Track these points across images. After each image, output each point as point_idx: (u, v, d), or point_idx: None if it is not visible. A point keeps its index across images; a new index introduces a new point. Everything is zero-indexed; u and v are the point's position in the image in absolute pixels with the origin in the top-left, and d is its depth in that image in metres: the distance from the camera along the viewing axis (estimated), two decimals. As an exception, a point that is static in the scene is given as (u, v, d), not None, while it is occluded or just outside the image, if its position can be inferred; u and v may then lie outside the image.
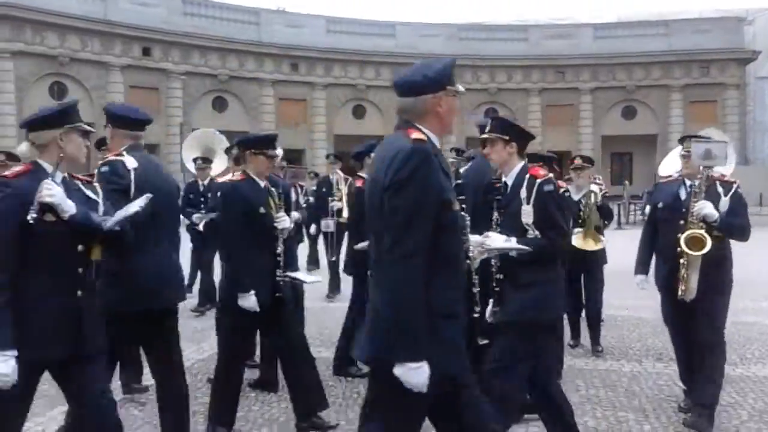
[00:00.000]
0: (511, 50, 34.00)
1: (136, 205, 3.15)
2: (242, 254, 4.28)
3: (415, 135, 2.48)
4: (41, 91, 26.05)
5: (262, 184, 4.47)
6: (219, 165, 8.77)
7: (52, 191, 2.86)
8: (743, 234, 4.48)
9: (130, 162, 3.66)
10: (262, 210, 4.36)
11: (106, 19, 27.10)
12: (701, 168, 4.38)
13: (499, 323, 3.67)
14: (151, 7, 28.58)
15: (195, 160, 8.94)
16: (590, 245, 6.36)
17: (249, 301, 4.19)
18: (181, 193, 6.83)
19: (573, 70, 34.18)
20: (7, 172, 2.93)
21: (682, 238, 4.31)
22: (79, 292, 2.99)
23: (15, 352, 2.77)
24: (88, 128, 3.10)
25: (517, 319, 3.61)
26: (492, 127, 3.83)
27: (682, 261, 4.38)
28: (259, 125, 30.61)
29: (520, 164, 3.77)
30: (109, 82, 27.57)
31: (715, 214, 4.31)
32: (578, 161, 6.79)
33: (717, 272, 4.44)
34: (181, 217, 6.95)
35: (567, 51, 33.60)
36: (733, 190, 4.48)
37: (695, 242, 4.30)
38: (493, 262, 3.80)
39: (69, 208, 2.90)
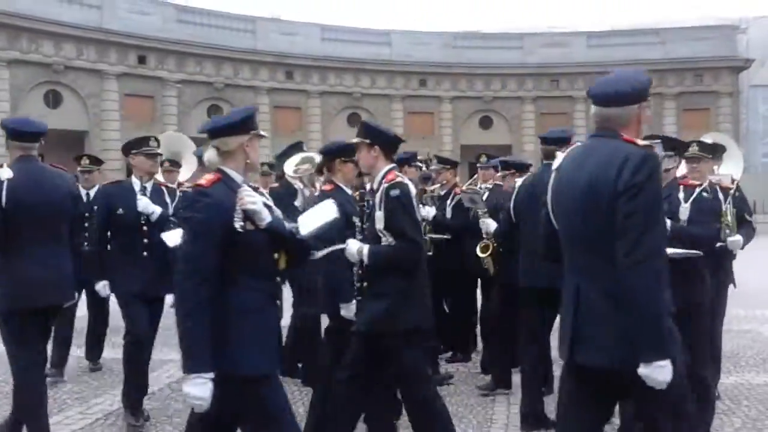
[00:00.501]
0: (506, 58, 34.12)
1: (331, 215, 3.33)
2: (334, 265, 4.07)
3: (641, 142, 2.62)
4: (36, 99, 26.02)
5: (350, 192, 4.39)
6: (186, 170, 8.23)
7: (253, 199, 2.81)
8: (702, 243, 3.86)
9: (5, 173, 3.89)
10: (355, 220, 4.15)
11: (101, 27, 27.11)
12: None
13: (354, 331, 3.72)
14: (147, 16, 28.61)
15: (162, 163, 8.51)
16: None
17: (351, 310, 4.06)
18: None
19: (567, 78, 34.32)
20: (201, 181, 2.85)
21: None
22: (278, 302, 2.94)
23: (212, 375, 2.64)
24: (264, 135, 3.05)
25: (364, 329, 3.64)
26: (357, 132, 3.82)
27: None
28: (255, 133, 30.61)
29: (385, 169, 3.73)
30: (104, 90, 27.56)
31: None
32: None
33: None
34: None
35: (561, 59, 33.75)
36: (695, 195, 4.01)
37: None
38: (354, 270, 3.85)
39: (266, 216, 2.83)
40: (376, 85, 33.72)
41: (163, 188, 5.11)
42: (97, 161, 6.93)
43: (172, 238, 4.63)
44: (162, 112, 29.08)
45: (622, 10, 59.75)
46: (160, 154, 5.18)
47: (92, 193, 6.35)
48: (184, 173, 8.30)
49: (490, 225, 5.34)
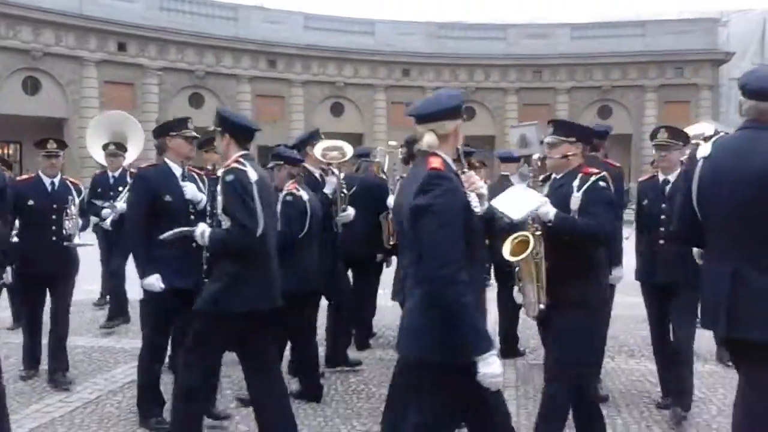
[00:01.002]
0: (490, 49, 34.16)
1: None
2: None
3: None
4: (14, 85, 25.65)
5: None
6: (133, 152, 7.79)
7: (482, 183, 2.88)
8: (592, 238, 3.63)
9: None
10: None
11: (81, 14, 26.75)
12: (534, 158, 3.91)
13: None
14: (127, 2, 28.27)
15: (105, 146, 7.77)
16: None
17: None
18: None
19: (550, 69, 34.44)
20: (434, 164, 2.73)
21: (507, 243, 3.61)
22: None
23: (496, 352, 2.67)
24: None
25: (198, 309, 3.76)
26: (213, 120, 3.92)
27: (516, 270, 3.68)
28: (237, 122, 30.44)
29: (234, 156, 3.79)
30: (83, 77, 27.23)
31: (549, 213, 3.56)
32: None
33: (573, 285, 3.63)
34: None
35: (544, 51, 33.84)
36: (588, 183, 3.67)
37: (521, 246, 3.58)
38: (204, 254, 4.18)
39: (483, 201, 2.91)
40: (359, 75, 33.62)
41: (194, 174, 4.73)
42: (63, 145, 5.94)
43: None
44: (142, 99, 28.79)
45: (605, 2, 59.91)
46: (198, 137, 4.81)
47: (56, 181, 5.57)
48: (130, 157, 7.96)
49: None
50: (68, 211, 5.44)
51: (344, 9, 53.36)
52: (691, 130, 5.41)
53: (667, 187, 4.71)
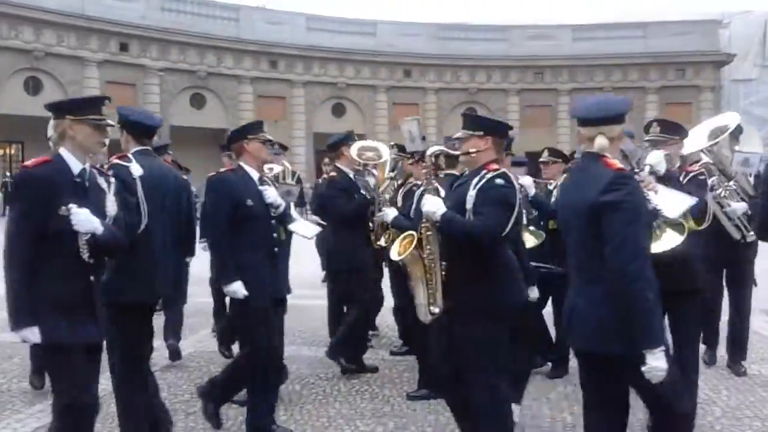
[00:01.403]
0: (491, 50, 34.20)
1: None
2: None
3: None
4: (16, 86, 25.71)
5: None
6: None
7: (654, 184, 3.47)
8: (475, 240, 3.36)
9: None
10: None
11: (83, 14, 26.80)
12: (427, 153, 3.76)
13: None
14: (129, 2, 28.34)
15: None
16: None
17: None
18: None
19: (551, 71, 34.47)
20: (618, 165, 2.92)
21: (396, 242, 3.53)
22: None
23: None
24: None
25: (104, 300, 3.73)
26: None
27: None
28: (238, 123, 30.44)
29: (131, 151, 3.88)
30: (85, 78, 27.28)
31: (436, 212, 3.39)
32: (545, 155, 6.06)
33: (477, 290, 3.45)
34: None
35: (546, 52, 33.87)
36: (483, 181, 3.40)
37: (408, 246, 3.44)
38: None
39: None
40: (360, 76, 33.65)
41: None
42: None
43: (307, 229, 4.49)
44: (144, 100, 28.82)
45: (607, 3, 60.00)
46: (272, 140, 4.74)
47: None
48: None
49: None
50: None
51: (346, 10, 53.53)
52: (713, 122, 5.20)
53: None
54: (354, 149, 5.66)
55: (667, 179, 3.96)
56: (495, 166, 3.45)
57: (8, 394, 5.20)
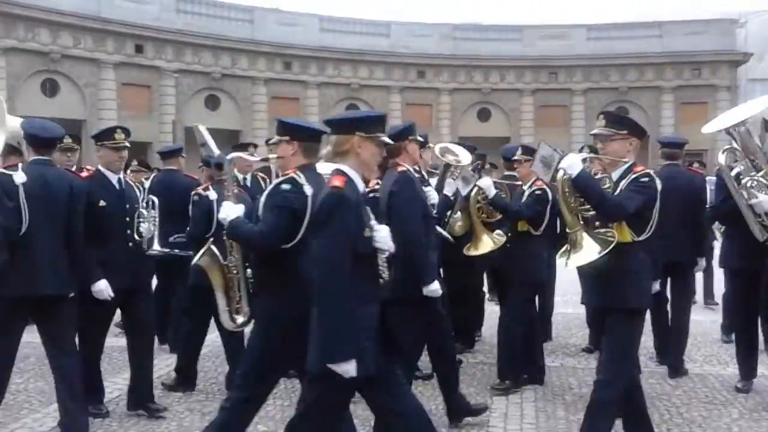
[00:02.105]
0: (505, 50, 34.06)
1: None
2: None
3: None
4: (33, 87, 25.94)
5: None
6: None
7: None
8: (251, 248, 3.54)
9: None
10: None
11: (99, 16, 26.99)
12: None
13: None
14: (145, 5, 28.50)
15: None
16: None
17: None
18: None
19: (566, 71, 34.28)
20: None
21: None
22: None
23: None
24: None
25: None
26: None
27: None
28: (252, 124, 30.59)
29: (29, 161, 4.23)
30: (101, 80, 27.47)
31: (226, 218, 3.44)
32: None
33: None
34: None
35: (560, 52, 33.69)
36: (271, 186, 3.51)
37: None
38: None
39: None
40: (374, 76, 33.65)
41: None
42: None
43: None
44: (159, 101, 29.01)
45: (622, 2, 59.57)
46: (391, 143, 4.96)
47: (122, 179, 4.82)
48: None
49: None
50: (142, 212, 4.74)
51: (359, 11, 53.53)
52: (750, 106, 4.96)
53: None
54: (437, 148, 5.48)
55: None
56: (290, 172, 3.37)
57: (25, 393, 5.25)
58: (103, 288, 4.40)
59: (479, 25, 36.34)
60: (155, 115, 28.77)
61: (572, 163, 3.65)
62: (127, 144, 4.70)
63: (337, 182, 2.91)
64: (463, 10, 61.72)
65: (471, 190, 5.46)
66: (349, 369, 2.80)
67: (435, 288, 4.14)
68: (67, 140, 5.73)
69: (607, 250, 3.58)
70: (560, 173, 3.73)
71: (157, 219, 4.79)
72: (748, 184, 4.73)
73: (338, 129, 3.09)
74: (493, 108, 34.43)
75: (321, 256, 2.84)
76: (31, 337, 5.66)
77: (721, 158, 4.90)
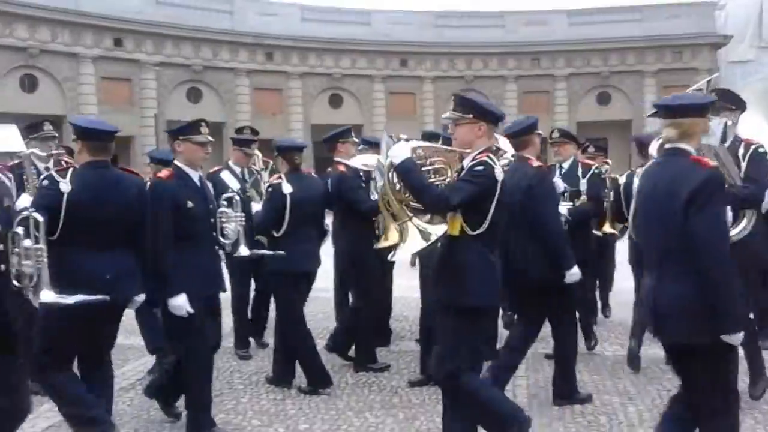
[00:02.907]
0: (487, 37, 34.06)
1: None
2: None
3: None
4: (12, 84, 25.61)
5: None
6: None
7: None
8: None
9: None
10: None
11: (76, 10, 26.66)
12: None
13: None
14: (123, -3, 28.20)
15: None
16: None
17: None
18: None
19: (548, 56, 34.35)
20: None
21: None
22: None
23: None
24: None
25: None
26: None
27: None
28: (235, 116, 30.39)
29: None
30: (80, 74, 27.17)
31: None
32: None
33: None
34: None
35: (542, 37, 33.75)
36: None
37: None
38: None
39: None
40: (356, 66, 33.53)
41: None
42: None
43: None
44: (140, 95, 28.75)
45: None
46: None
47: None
48: None
49: None
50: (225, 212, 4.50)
51: (340, 0, 53.20)
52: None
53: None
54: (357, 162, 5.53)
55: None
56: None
57: (16, 394, 5.19)
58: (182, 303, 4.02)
59: (461, 12, 36.22)
60: (136, 108, 28.53)
61: (399, 151, 3.44)
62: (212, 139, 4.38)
63: (707, 163, 3.08)
64: (444, -3, 61.63)
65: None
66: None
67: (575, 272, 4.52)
68: (48, 127, 5.62)
69: (429, 243, 3.43)
70: (388, 161, 3.51)
71: (242, 219, 4.56)
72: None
73: (691, 111, 3.17)
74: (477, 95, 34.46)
75: (711, 234, 2.97)
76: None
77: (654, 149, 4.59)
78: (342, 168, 5.58)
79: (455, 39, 33.62)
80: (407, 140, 3.58)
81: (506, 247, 4.11)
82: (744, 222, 4.20)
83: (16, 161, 5.48)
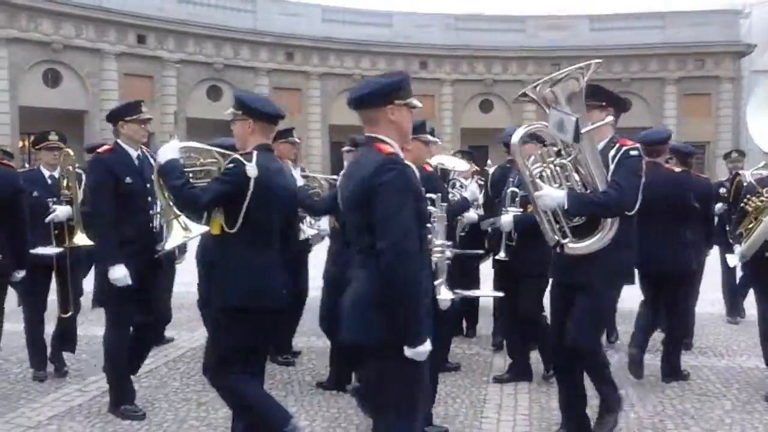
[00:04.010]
0: (508, 41, 33.95)
1: None
2: None
3: None
4: (35, 78, 25.95)
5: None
6: None
7: None
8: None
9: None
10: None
11: (101, 6, 26.97)
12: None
13: None
14: (147, -5, 28.48)
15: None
16: None
17: None
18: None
19: (569, 61, 33.74)
20: None
21: None
22: None
23: None
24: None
25: None
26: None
27: None
28: (254, 114, 30.51)
29: None
30: (103, 70, 27.47)
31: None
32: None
33: None
34: None
35: (563, 43, 33.57)
36: None
37: None
38: None
39: None
40: (376, 67, 33.52)
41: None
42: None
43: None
44: (161, 92, 29.00)
45: (625, -7, 59.41)
46: None
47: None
48: None
49: None
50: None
51: (362, 1, 53.30)
52: None
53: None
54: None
55: None
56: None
57: (23, 383, 5.29)
58: None
59: (481, 16, 36.20)
60: (157, 105, 28.75)
61: (164, 152, 3.57)
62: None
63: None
64: (465, 1, 61.59)
65: None
66: None
67: None
68: (54, 137, 5.47)
69: (190, 237, 3.74)
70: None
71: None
72: (537, 173, 3.89)
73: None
74: (495, 99, 34.35)
75: None
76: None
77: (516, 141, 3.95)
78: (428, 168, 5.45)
79: (475, 42, 33.55)
80: (180, 141, 3.72)
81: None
82: (601, 232, 3.75)
83: None
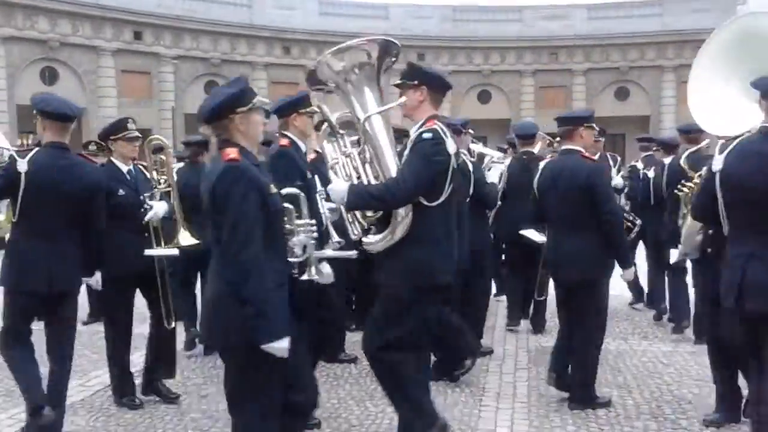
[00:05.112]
0: (505, 31, 33.87)
1: None
2: None
3: None
4: (32, 76, 25.92)
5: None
6: None
7: None
8: None
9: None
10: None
11: (97, 3, 26.92)
12: None
13: None
14: (142, -10, 28.42)
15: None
16: None
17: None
18: None
19: (566, 51, 34.10)
20: None
21: None
22: None
23: None
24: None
25: None
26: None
27: None
28: (253, 109, 30.51)
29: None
30: (100, 67, 27.44)
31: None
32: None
33: None
34: None
35: (561, 32, 33.49)
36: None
37: None
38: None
39: None
40: (374, 60, 33.51)
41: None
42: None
43: None
44: (159, 88, 28.98)
45: (622, -19, 59.14)
46: None
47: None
48: None
49: None
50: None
51: (358, -7, 53.10)
52: None
53: None
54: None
55: None
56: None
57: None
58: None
59: (478, 7, 36.05)
60: (155, 101, 28.78)
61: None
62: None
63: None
64: (462, -9, 61.34)
65: None
66: None
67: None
68: (132, 125, 4.83)
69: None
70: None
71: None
72: (332, 165, 3.86)
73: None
74: (493, 90, 34.30)
75: None
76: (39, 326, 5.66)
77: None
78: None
79: (472, 33, 33.47)
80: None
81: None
82: (390, 227, 3.43)
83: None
